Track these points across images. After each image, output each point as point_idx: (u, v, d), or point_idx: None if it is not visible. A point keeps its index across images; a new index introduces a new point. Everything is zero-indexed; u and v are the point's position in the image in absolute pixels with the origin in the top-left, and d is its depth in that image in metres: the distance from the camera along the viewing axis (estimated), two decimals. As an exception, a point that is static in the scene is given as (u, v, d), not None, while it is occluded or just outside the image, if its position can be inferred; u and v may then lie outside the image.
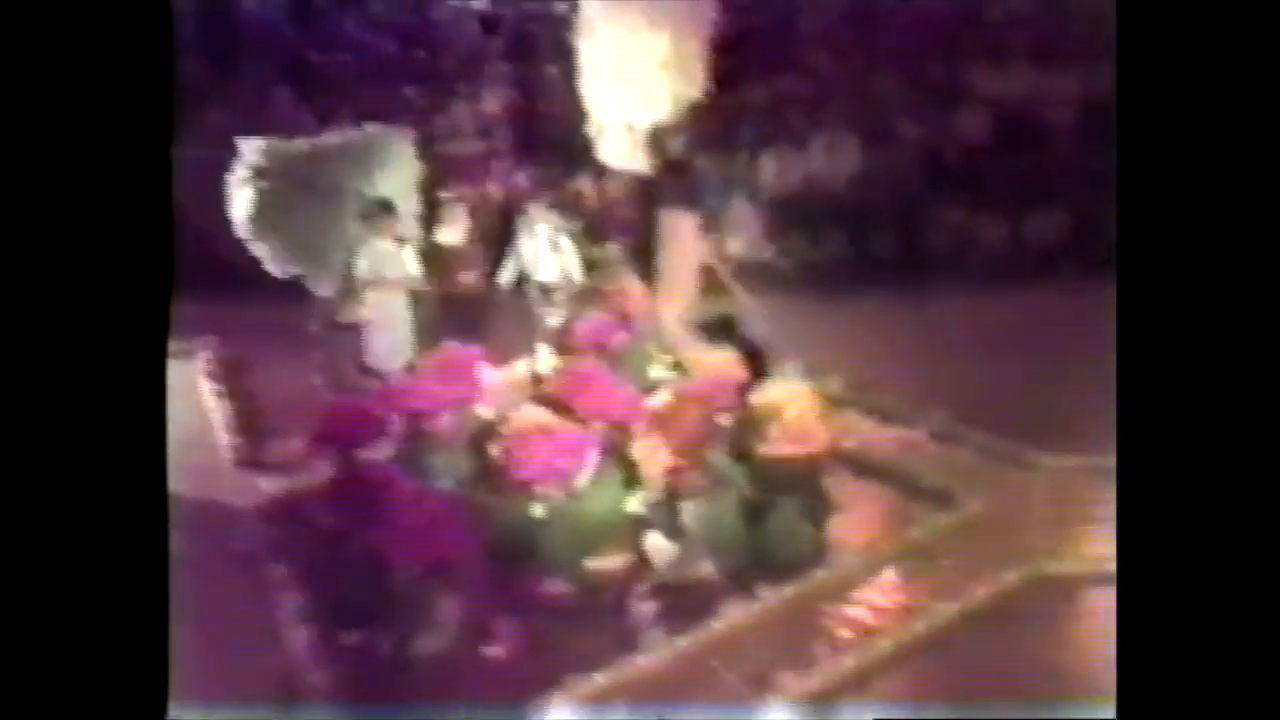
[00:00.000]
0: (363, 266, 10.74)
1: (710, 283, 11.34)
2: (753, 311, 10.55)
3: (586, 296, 11.02)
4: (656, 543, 7.87)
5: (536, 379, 9.92)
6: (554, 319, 11.11)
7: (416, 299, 11.09)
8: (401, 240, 10.86)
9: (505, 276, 11.54)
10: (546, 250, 11.41)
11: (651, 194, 11.65)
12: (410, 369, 10.19)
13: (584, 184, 13.82)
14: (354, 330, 10.88)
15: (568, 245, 11.43)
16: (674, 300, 11.07)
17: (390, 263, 10.76)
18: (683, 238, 11.50)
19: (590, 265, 11.48)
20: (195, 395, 10.22)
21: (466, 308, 11.84)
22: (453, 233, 12.13)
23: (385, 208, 10.77)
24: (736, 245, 14.11)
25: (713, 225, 12.88)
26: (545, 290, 11.40)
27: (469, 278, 12.07)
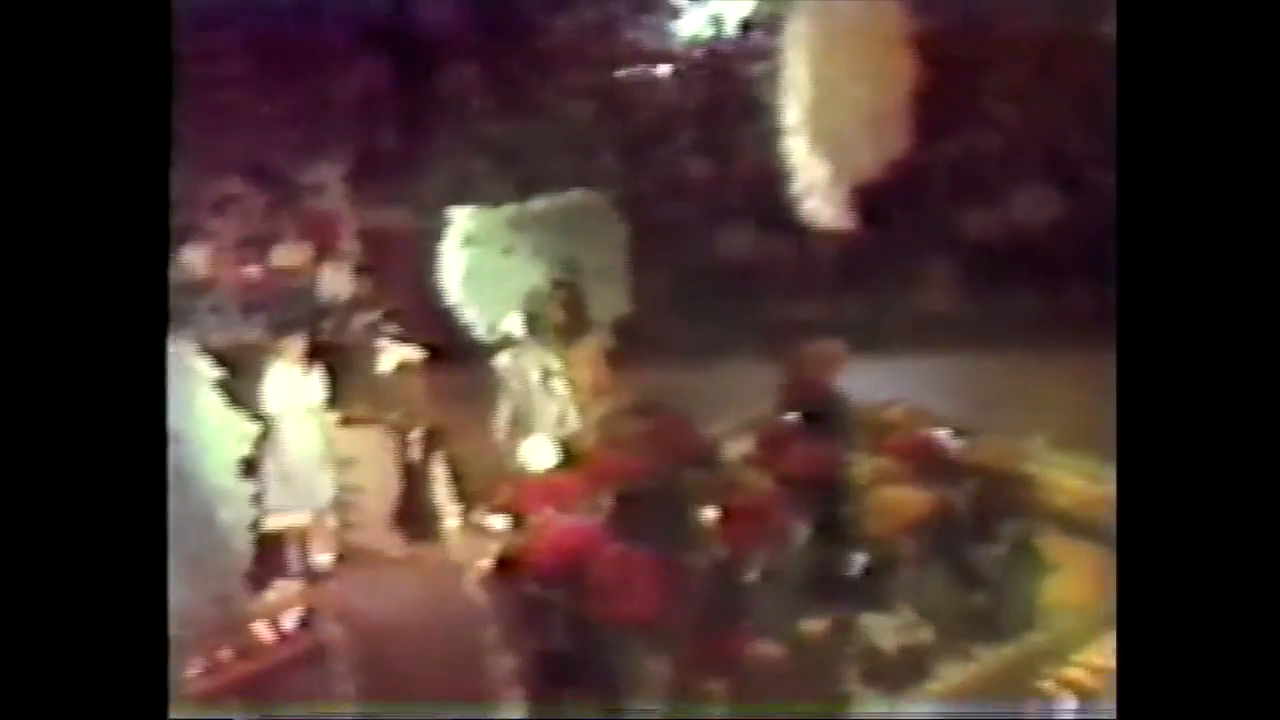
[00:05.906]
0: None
1: None
2: None
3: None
4: (871, 622, 7.79)
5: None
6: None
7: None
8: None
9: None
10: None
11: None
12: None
13: (784, 245, 13.78)
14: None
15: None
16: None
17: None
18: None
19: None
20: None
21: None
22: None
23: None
24: (935, 300, 13.97)
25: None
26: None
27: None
